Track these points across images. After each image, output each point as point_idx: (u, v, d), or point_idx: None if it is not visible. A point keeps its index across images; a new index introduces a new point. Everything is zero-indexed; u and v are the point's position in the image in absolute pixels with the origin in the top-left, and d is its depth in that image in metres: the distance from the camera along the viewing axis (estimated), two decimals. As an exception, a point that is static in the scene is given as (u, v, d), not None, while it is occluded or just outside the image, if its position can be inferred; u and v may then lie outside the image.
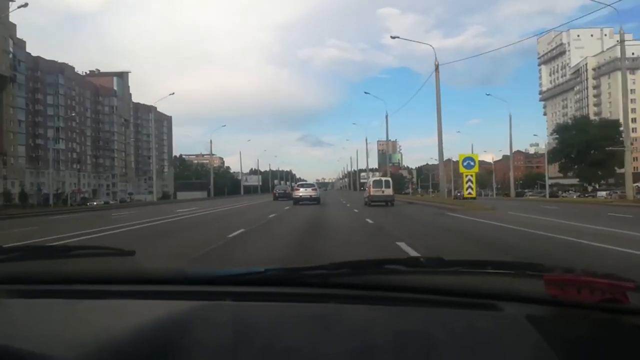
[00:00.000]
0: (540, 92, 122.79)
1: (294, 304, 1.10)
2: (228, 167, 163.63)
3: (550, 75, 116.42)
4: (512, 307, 1.02)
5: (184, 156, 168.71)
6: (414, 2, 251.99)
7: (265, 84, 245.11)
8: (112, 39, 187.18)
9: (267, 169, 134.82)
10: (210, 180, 65.24)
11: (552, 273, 1.05)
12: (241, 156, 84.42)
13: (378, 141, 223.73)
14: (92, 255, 1.55)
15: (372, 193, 26.61)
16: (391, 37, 45.78)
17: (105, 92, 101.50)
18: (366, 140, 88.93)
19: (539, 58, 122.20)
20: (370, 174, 68.20)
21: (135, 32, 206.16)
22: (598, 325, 0.94)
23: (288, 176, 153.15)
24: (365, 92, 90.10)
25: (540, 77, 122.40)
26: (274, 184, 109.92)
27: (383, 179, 29.16)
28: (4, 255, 1.42)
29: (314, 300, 1.12)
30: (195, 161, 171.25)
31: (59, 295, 1.18)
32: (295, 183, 51.97)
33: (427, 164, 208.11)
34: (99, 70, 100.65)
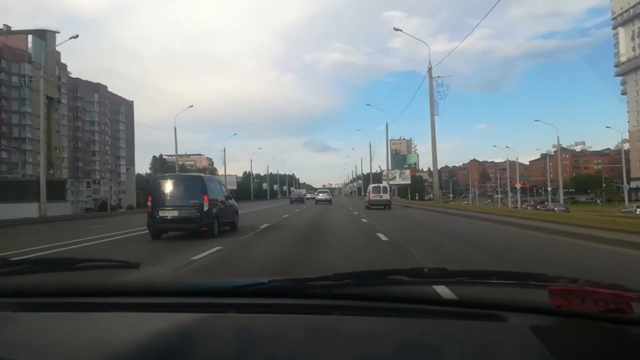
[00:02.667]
0: (617, 64, 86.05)
1: (298, 315, 1.10)
2: (215, 169, 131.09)
3: (632, 39, 79.58)
4: (516, 318, 1.02)
5: (165, 156, 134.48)
6: (420, 5, 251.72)
7: (269, 89, 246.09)
8: (116, 42, 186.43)
9: (266, 175, 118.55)
10: (41, 180, 28.02)
11: (556, 283, 1.04)
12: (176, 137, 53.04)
13: (391, 140, 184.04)
14: (97, 267, 1.57)
15: (371, 198, 31.88)
16: (394, 28, 36.47)
17: (11, 55, 64.67)
18: (370, 145, 76.69)
19: (613, 19, 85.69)
20: (397, 172, 72.15)
21: (137, 35, 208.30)
22: (602, 335, 0.94)
23: (290, 180, 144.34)
24: (367, 104, 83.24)
25: (616, 44, 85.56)
26: (262, 187, 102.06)
27: (381, 185, 35.98)
28: (10, 267, 1.46)
29: (318, 311, 1.12)
30: (180, 162, 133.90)
31: (64, 308, 1.20)
32: (298, 188, 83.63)
33: (446, 165, 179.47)
34: (9, 28, 63.96)
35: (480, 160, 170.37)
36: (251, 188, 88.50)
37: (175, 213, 11.14)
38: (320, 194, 46.64)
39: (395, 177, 78.11)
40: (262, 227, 14.22)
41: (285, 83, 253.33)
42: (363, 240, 10.57)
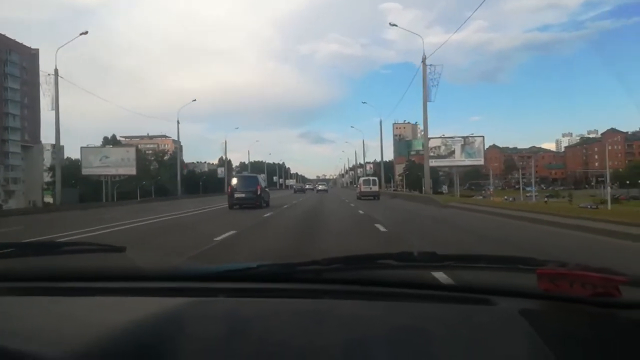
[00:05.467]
0: None
1: (287, 299, 1.16)
2: (175, 153, 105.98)
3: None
4: (505, 302, 1.07)
5: (121, 138, 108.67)
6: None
7: (265, 80, 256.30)
8: (112, 32, 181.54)
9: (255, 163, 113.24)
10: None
11: (545, 267, 1.09)
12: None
13: (394, 124, 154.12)
14: (82, 251, 1.61)
15: (362, 189, 36.12)
16: (390, 24, 35.42)
17: None
18: (380, 122, 61.48)
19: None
20: (458, 142, 46.44)
21: (132, 26, 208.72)
22: (591, 319, 0.99)
23: (277, 169, 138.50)
24: (363, 102, 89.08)
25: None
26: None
27: (371, 178, 39.13)
28: None
29: (307, 295, 1.19)
30: (140, 145, 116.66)
31: (48, 293, 1.24)
32: (289, 178, 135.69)
33: None
34: None
35: (501, 147, 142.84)
36: (266, 178, 72.52)
37: (243, 195, 22.45)
38: (320, 186, 75.05)
39: (452, 153, 45.18)
40: (294, 202, 30.09)
41: (281, 74, 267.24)
42: (343, 208, 24.23)
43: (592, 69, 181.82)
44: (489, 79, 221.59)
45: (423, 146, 33.79)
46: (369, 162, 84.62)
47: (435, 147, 44.76)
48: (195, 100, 44.58)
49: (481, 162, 48.34)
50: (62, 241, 1.54)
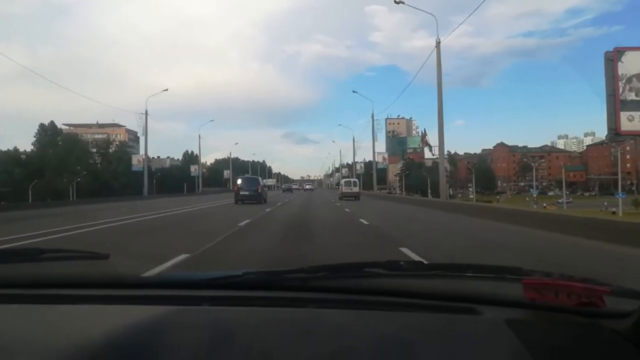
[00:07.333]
0: None
1: (272, 308, 1.21)
2: (127, 144, 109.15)
3: None
4: (491, 311, 1.12)
5: (64, 125, 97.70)
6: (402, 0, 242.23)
7: (249, 80, 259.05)
8: (94, 29, 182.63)
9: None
10: None
11: (530, 277, 1.16)
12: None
13: (387, 119, 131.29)
14: (64, 258, 1.66)
15: (343, 190, 40.91)
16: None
17: None
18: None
19: None
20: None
21: (115, 23, 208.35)
22: (575, 328, 1.05)
23: (255, 167, 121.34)
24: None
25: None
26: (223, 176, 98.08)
27: (352, 180, 45.26)
28: None
29: (292, 304, 1.23)
30: (87, 134, 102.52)
31: (29, 300, 1.26)
32: (270, 177, 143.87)
33: (455, 153, 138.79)
34: None
35: (509, 145, 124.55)
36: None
37: (247, 193, 30.73)
38: (307, 185, 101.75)
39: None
40: (285, 200, 36.51)
41: (265, 74, 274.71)
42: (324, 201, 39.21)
43: (582, 73, 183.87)
44: (472, 84, 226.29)
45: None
46: (358, 162, 74.59)
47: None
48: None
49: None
50: (44, 248, 1.37)
